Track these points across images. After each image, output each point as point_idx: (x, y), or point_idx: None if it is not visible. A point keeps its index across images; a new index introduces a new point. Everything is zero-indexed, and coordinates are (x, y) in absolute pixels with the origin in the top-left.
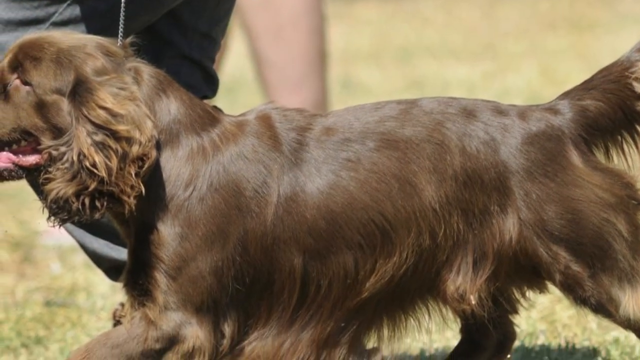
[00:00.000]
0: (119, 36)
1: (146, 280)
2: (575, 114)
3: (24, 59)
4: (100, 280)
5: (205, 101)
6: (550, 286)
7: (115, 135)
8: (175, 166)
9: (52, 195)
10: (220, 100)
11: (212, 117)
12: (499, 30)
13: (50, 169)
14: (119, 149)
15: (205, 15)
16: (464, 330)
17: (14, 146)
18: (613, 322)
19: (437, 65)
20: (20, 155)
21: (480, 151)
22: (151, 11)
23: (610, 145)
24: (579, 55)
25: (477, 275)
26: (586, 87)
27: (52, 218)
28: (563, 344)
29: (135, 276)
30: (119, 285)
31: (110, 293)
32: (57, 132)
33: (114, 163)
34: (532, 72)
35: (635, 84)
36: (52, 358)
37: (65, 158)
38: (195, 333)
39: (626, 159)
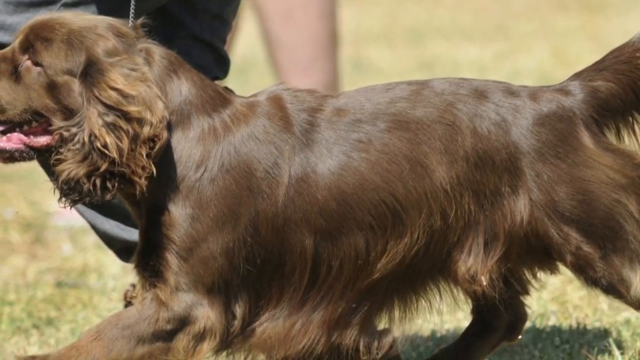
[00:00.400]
0: (130, 17)
1: (157, 261)
2: (587, 95)
3: (35, 40)
4: (111, 261)
5: (217, 82)
6: (562, 267)
7: (126, 116)
8: (186, 147)
9: (63, 176)
10: (231, 82)
11: (223, 98)
12: (510, 11)
13: (61, 150)
14: (130, 130)
15: None
16: (475, 311)
17: (25, 127)
18: (624, 303)
19: (447, 46)
20: (32, 136)
21: (492, 132)
22: None
23: (621, 126)
24: (590, 36)
25: (488, 256)
26: (597, 68)
27: (63, 199)
28: (574, 325)
29: (147, 257)
30: (130, 266)
31: (121, 274)
32: (68, 113)
33: (125, 144)
34: (543, 52)
35: None
36: (63, 339)
37: (76, 139)
38: (206, 314)
39: (637, 140)
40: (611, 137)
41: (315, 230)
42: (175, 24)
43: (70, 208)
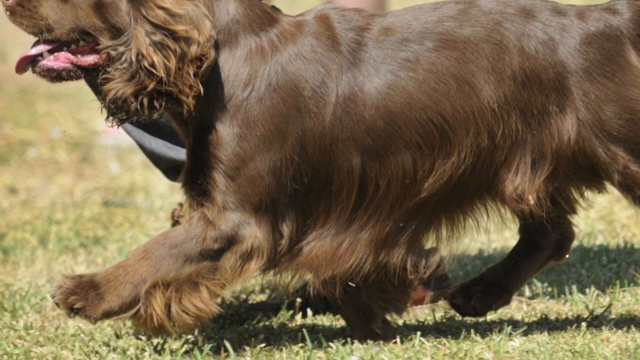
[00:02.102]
0: None
1: (204, 180)
2: (634, 13)
3: None
4: (158, 180)
5: (264, 1)
6: (609, 186)
7: (173, 35)
8: (233, 66)
9: (111, 95)
10: (278, 1)
11: (271, 17)
12: None
13: (108, 69)
14: (178, 49)
15: None
16: (522, 231)
17: (73, 46)
18: None
19: None
20: (79, 55)
21: (539, 51)
22: None
23: None
24: None
25: (535, 175)
26: None
27: (111, 118)
28: (621, 244)
29: (194, 176)
30: (177, 185)
31: (168, 193)
32: (116, 32)
33: (173, 63)
34: None
35: None
36: (111, 258)
37: (123, 58)
38: (253, 233)
39: None
40: None
41: (363, 149)
42: None
43: (118, 127)
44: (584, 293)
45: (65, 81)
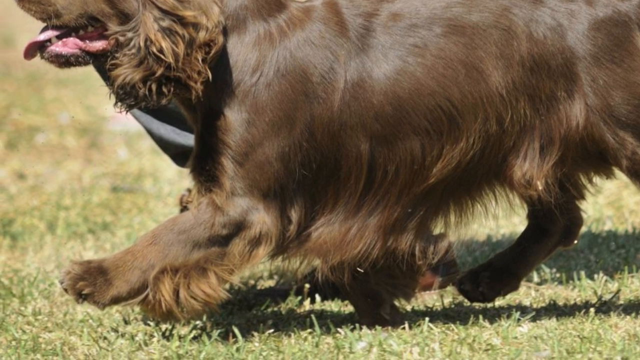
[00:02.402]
0: None
1: (213, 166)
2: None
3: None
4: (166, 166)
5: None
6: (617, 172)
7: (182, 21)
8: (242, 52)
9: (119, 81)
10: None
11: (279, 3)
12: None
13: (117, 55)
14: (186, 35)
15: None
16: (531, 216)
17: (81, 32)
18: None
19: None
20: (87, 41)
21: (547, 37)
22: None
23: None
24: None
25: (544, 161)
26: None
27: (119, 104)
28: (630, 230)
29: (202, 162)
30: (185, 170)
31: (177, 179)
32: (124, 18)
33: (181, 49)
34: None
35: None
36: (119, 244)
37: (132, 44)
38: (262, 219)
39: None
40: None
41: (371, 135)
42: None
43: (126, 113)
44: (592, 279)
45: (73, 67)
